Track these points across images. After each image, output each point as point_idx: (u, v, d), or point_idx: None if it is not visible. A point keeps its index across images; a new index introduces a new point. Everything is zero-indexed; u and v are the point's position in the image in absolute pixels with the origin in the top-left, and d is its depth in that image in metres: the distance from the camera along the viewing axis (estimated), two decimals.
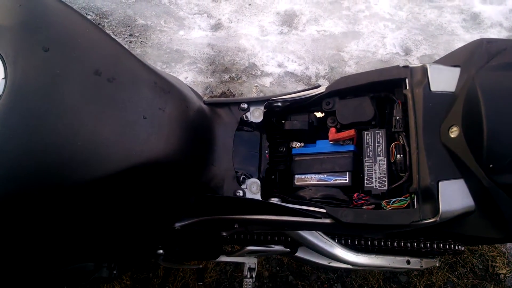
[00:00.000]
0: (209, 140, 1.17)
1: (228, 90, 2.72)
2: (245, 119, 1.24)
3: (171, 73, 2.90)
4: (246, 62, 2.80)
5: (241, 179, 1.17)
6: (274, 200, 1.17)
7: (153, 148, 0.94)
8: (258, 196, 1.16)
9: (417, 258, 1.40)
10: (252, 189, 1.17)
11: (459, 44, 2.80)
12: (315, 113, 1.30)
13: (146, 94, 0.96)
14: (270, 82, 2.73)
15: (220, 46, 2.85)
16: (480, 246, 2.17)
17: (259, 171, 1.23)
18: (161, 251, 1.44)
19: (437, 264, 1.48)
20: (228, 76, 2.76)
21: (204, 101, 1.25)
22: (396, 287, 2.17)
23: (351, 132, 1.16)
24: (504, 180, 0.90)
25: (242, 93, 2.71)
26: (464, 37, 2.88)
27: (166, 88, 1.01)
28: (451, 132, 1.01)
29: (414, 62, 2.76)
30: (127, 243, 1.25)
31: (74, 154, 0.80)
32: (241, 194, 1.16)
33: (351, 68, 2.75)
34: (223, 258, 1.60)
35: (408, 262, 1.45)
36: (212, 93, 2.72)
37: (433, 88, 1.07)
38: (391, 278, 2.18)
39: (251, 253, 1.56)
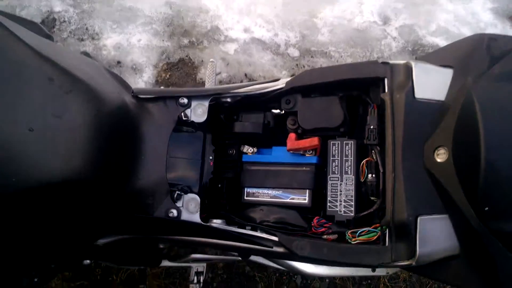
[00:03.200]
0: (135, 147, 0.92)
1: (187, 56, 2.42)
2: (184, 118, 0.99)
3: (121, 34, 2.57)
4: (209, 25, 2.49)
5: (175, 195, 0.94)
6: (217, 223, 0.95)
7: (44, 170, 0.69)
8: (196, 217, 0.94)
9: None
10: (190, 207, 0.95)
11: (441, 16, 2.57)
12: (272, 110, 1.06)
13: (35, 97, 0.70)
14: (235, 50, 2.44)
15: (180, 5, 2.51)
16: None
17: (200, 182, 1.00)
18: (87, 261, 1.22)
19: None
20: (188, 40, 2.45)
21: (132, 92, 0.99)
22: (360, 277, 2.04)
23: (314, 141, 0.94)
24: (503, 227, 0.71)
25: (202, 61, 2.42)
26: (447, 7, 2.63)
27: (67, 86, 0.74)
28: (437, 155, 0.80)
29: (392, 32, 2.52)
30: (42, 255, 1.03)
31: None
32: (175, 214, 0.93)
33: (324, 37, 2.49)
34: (166, 263, 1.40)
35: (374, 270, 1.28)
36: (169, 59, 2.42)
37: (418, 94, 0.84)
38: None
39: (196, 260, 1.36)
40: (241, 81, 2.33)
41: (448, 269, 0.81)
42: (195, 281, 1.49)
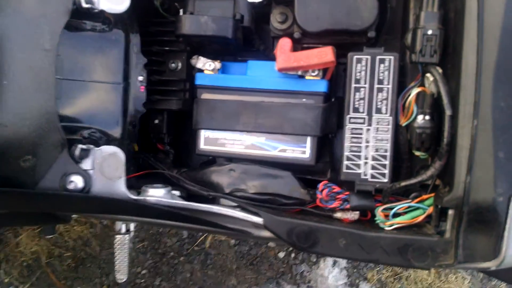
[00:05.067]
0: None
1: None
2: (85, 4, 0.52)
3: None
4: None
5: (77, 150, 0.52)
6: (156, 195, 0.55)
7: None
8: (119, 187, 0.53)
9: None
10: (106, 170, 0.53)
11: None
12: None
13: None
14: None
15: None
16: None
17: (124, 123, 0.57)
18: None
19: None
20: None
21: None
22: None
23: (327, 54, 0.53)
24: None
25: None
26: None
27: None
28: None
29: None
30: None
31: None
32: (79, 185, 0.52)
33: None
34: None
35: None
36: None
37: None
38: None
39: None
40: None
41: None
42: (124, 230, 1.13)
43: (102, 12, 0.54)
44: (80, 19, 0.54)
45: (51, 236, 1.26)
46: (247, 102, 0.58)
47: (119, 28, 0.57)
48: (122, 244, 1.02)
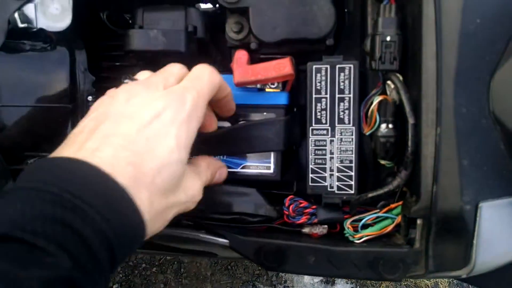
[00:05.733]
0: None
1: None
2: (21, 24, 0.48)
3: None
4: None
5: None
6: None
7: None
8: None
9: None
10: None
11: None
12: (199, 4, 0.60)
13: None
14: None
15: None
16: None
17: None
18: None
19: None
20: None
21: None
22: None
23: (285, 66, 0.51)
24: None
25: None
26: None
27: None
28: None
29: None
30: None
31: None
32: None
33: None
34: None
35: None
36: None
37: None
38: None
39: None
40: None
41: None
42: None
43: (41, 30, 0.49)
44: (18, 39, 0.50)
45: None
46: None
47: (62, 46, 0.53)
48: None
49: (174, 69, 0.45)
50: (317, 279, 1.71)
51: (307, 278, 1.69)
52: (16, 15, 0.47)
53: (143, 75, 0.46)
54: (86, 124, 0.38)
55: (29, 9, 0.48)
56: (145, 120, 0.38)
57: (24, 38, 0.50)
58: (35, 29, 0.49)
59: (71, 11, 0.49)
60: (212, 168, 0.49)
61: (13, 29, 0.48)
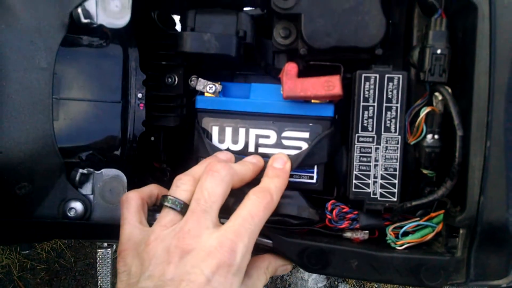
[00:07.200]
0: None
1: None
2: (83, 20, 0.49)
3: None
4: None
5: (78, 174, 0.49)
6: None
7: None
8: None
9: None
10: (107, 195, 0.50)
11: None
12: (247, 8, 0.61)
13: None
14: None
15: None
16: None
17: (123, 144, 0.54)
18: None
19: None
20: None
21: None
22: None
23: (335, 85, 0.52)
24: None
25: None
26: None
27: None
28: None
29: None
30: None
31: None
32: (79, 211, 0.49)
33: None
34: None
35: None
36: None
37: None
38: None
39: None
40: None
41: None
42: (106, 245, 1.08)
43: (100, 26, 0.50)
44: (77, 34, 0.50)
45: (27, 251, 1.19)
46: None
47: (116, 43, 0.53)
48: (104, 258, 0.98)
49: None
50: (320, 283, 1.72)
51: (311, 283, 1.70)
52: (79, 10, 0.48)
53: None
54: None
55: (90, 5, 0.49)
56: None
57: (84, 34, 0.51)
58: (95, 25, 0.49)
59: (130, 9, 0.50)
60: (272, 268, 0.51)
61: (74, 23, 0.48)
